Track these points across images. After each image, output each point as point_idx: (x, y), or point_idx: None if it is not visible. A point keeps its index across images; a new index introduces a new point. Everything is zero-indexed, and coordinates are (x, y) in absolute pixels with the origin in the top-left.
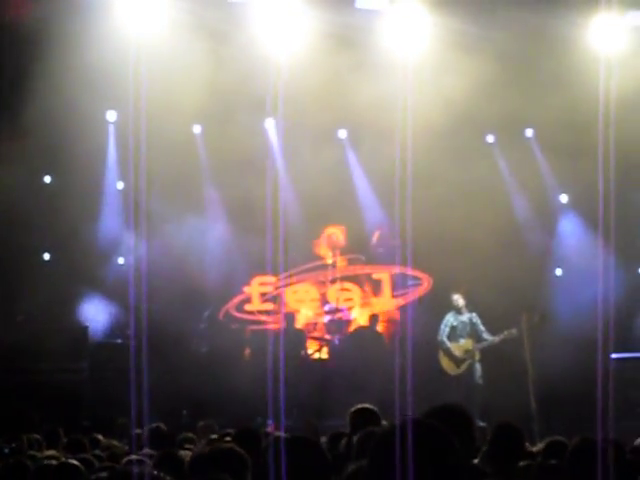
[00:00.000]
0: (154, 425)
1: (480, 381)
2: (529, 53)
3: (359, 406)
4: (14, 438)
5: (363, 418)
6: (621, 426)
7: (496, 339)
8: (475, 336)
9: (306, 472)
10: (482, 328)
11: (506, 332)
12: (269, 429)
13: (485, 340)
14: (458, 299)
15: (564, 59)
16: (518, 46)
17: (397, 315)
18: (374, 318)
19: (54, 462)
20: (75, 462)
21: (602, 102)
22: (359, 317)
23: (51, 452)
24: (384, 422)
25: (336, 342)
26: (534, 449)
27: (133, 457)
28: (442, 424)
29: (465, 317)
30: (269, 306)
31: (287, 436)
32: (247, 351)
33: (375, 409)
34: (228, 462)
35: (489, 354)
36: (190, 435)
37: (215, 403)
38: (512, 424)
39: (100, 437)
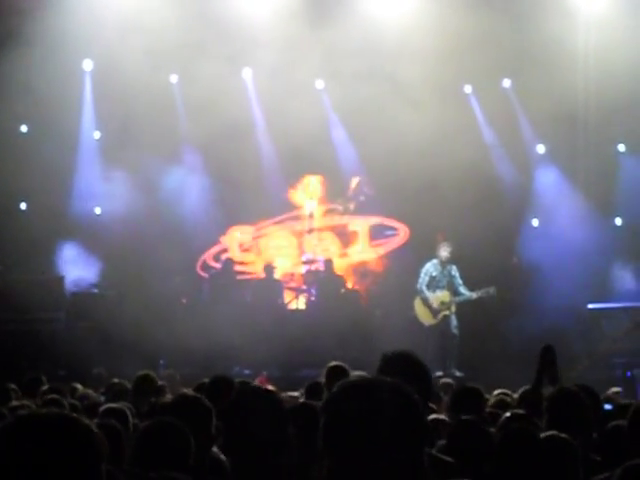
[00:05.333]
0: (142, 373)
1: (455, 331)
2: (509, 5)
3: (333, 363)
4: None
5: (335, 375)
6: (596, 375)
7: (473, 295)
8: (452, 289)
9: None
10: (460, 282)
11: (483, 290)
12: (260, 380)
13: (462, 295)
14: (445, 249)
15: (544, 12)
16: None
17: (374, 265)
18: (351, 268)
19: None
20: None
21: (581, 56)
22: (336, 267)
23: (23, 402)
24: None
25: (313, 292)
26: (508, 399)
27: (113, 406)
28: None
29: (445, 269)
30: (246, 256)
31: (251, 387)
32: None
33: (346, 367)
34: (192, 411)
35: (466, 307)
36: (163, 383)
37: (192, 353)
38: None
39: (78, 386)
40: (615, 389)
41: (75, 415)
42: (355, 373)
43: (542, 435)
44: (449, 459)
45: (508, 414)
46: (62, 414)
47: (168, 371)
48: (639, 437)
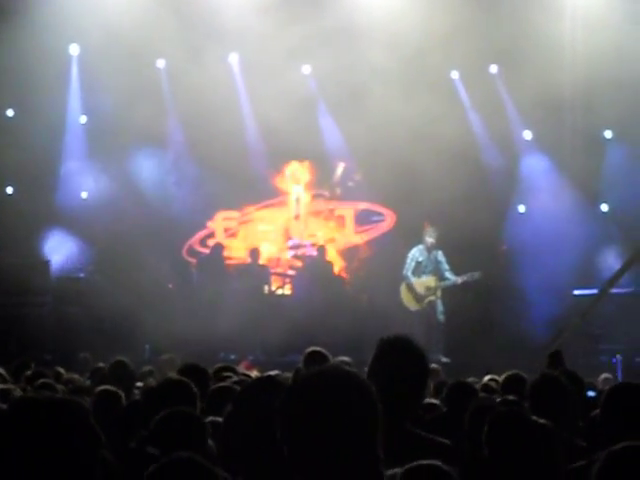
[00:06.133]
0: (116, 359)
1: (441, 317)
2: None
3: (311, 349)
4: None
5: (314, 360)
6: (583, 361)
7: (459, 280)
8: (438, 274)
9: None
10: (446, 267)
11: (469, 274)
12: (244, 365)
13: (448, 279)
14: (431, 234)
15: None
16: None
17: (361, 250)
18: (337, 254)
19: None
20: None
21: (568, 42)
22: (323, 253)
23: (9, 386)
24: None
25: (299, 277)
26: (493, 384)
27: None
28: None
29: (431, 254)
30: (232, 241)
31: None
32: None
33: (325, 352)
34: (177, 393)
35: (452, 292)
36: (150, 368)
37: (178, 338)
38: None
39: (62, 371)
40: (605, 375)
41: (74, 398)
42: (340, 358)
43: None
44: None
45: (499, 400)
46: (62, 398)
47: (168, 355)
48: (612, 421)
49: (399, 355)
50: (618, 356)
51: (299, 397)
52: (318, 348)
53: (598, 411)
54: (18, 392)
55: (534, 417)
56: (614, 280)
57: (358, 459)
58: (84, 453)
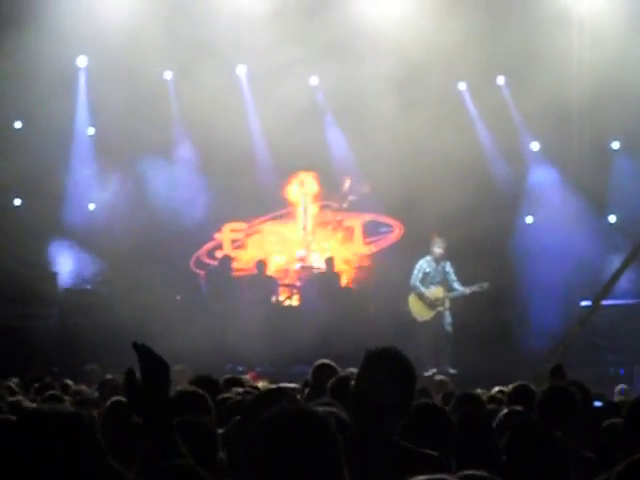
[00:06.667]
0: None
1: (449, 328)
2: (503, 3)
3: (320, 362)
4: None
5: (322, 373)
6: (590, 372)
7: (467, 290)
8: (446, 285)
9: None
10: (454, 277)
11: (477, 285)
12: (250, 376)
13: (456, 290)
14: (439, 246)
15: (538, 10)
16: None
17: (368, 262)
18: (345, 265)
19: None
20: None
21: (575, 53)
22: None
23: (19, 398)
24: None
25: (307, 289)
26: (499, 396)
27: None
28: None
29: (439, 265)
30: (240, 253)
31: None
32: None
33: (334, 365)
34: (190, 404)
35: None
36: None
37: (186, 349)
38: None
39: (70, 382)
40: (621, 386)
41: (78, 411)
42: (348, 370)
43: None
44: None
45: (506, 410)
46: (67, 410)
47: (180, 367)
48: (636, 431)
49: (386, 366)
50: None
51: (259, 440)
52: (327, 361)
53: (608, 422)
54: (28, 404)
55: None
56: (615, 279)
57: None
58: (87, 464)
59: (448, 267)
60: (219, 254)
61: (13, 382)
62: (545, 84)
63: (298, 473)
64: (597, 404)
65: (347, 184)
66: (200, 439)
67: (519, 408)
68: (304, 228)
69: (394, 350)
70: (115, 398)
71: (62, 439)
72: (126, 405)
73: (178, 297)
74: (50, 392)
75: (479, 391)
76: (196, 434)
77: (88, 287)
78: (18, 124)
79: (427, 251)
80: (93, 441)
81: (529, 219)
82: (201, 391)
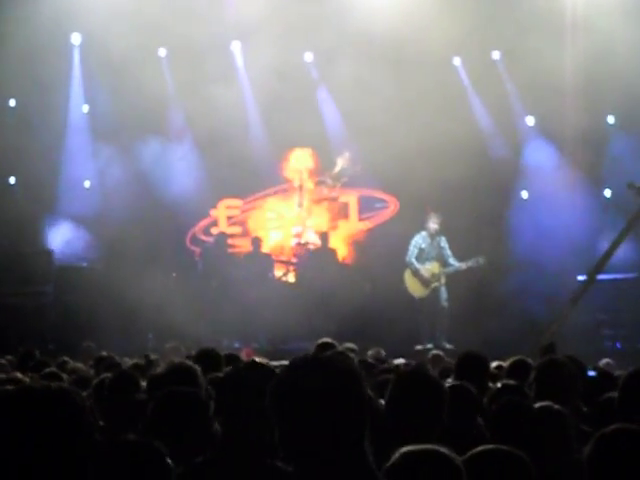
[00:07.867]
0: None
1: (445, 304)
2: None
3: (322, 340)
4: None
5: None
6: (587, 347)
7: (463, 266)
8: (442, 260)
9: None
10: (449, 253)
11: (473, 260)
12: (246, 352)
13: (451, 265)
14: (434, 221)
15: None
16: None
17: (364, 237)
18: (341, 241)
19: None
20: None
21: (570, 27)
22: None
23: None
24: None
25: (303, 265)
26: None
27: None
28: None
29: (434, 240)
30: (235, 229)
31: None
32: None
33: (335, 344)
34: (182, 378)
35: (455, 278)
36: (155, 356)
37: (182, 326)
38: (475, 352)
39: (68, 360)
40: (606, 360)
41: (68, 388)
42: (346, 345)
43: (536, 406)
44: None
45: (499, 385)
46: (57, 387)
47: (173, 343)
48: (629, 403)
49: (416, 390)
50: None
51: (288, 382)
52: (329, 340)
53: (607, 395)
54: (26, 380)
55: (546, 402)
56: (609, 254)
57: (345, 446)
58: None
59: (443, 242)
60: (215, 231)
61: (6, 359)
62: (540, 59)
63: (329, 418)
64: (590, 373)
65: (343, 160)
66: (191, 409)
67: (513, 382)
68: (300, 204)
69: (422, 372)
70: (119, 370)
71: (51, 416)
72: (130, 379)
73: (174, 274)
74: (48, 370)
75: None
76: (187, 404)
77: (83, 265)
78: (12, 102)
79: (422, 227)
80: (82, 420)
81: (524, 194)
82: (192, 364)
